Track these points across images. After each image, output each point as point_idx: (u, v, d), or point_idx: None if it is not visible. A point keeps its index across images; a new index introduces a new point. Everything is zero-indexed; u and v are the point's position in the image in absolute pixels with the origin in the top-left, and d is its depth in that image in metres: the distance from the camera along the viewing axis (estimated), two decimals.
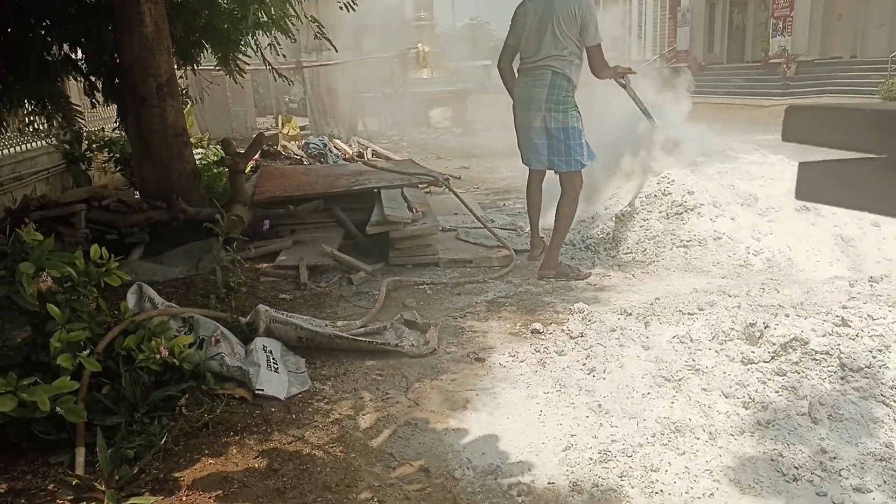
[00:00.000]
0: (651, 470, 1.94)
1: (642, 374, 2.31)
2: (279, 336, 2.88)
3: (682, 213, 4.01)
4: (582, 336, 2.68)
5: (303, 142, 8.59)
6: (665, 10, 27.18)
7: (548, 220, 4.09)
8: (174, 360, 2.29)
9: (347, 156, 7.78)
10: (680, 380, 2.23)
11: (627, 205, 4.27)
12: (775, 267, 3.64)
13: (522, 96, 3.76)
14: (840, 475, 1.79)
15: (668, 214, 4.05)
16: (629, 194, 4.36)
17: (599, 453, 2.03)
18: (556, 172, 3.83)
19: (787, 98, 17.64)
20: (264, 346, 2.75)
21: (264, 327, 2.86)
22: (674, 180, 4.13)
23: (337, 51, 4.35)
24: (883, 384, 1.95)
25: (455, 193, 4.86)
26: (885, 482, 1.74)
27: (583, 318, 2.87)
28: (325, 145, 7.05)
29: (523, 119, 3.79)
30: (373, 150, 8.83)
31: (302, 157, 7.76)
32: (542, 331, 2.99)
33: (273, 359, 2.71)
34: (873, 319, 2.13)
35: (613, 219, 4.25)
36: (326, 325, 3.09)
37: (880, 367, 1.98)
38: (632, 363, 2.37)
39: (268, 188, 4.96)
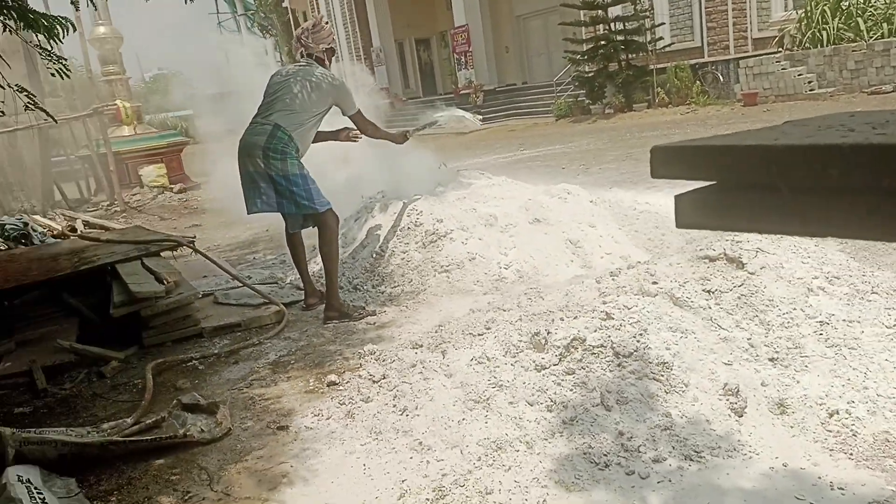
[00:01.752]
0: (486, 493, 2.02)
1: (453, 401, 2.39)
2: (35, 459, 2.40)
3: (436, 241, 4.25)
4: (384, 378, 2.69)
5: None
6: (359, 50, 28.64)
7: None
8: None
9: (56, 232, 6.79)
10: (488, 399, 2.35)
11: (384, 240, 4.40)
12: (525, 276, 4.05)
13: (242, 144, 3.79)
14: (639, 452, 2.05)
15: (424, 243, 4.27)
16: (382, 230, 4.49)
17: (434, 491, 2.05)
18: (286, 214, 3.93)
19: (481, 123, 19.69)
20: (19, 477, 2.27)
21: (13, 453, 2.36)
22: (422, 211, 4.37)
23: (56, 121, 3.77)
24: (650, 363, 2.28)
25: (203, 254, 4.54)
26: (673, 448, 2.04)
27: (377, 360, 2.88)
28: (25, 224, 6.06)
29: (245, 165, 3.78)
30: (83, 220, 7.85)
31: None
32: (338, 381, 2.93)
33: (36, 488, 2.25)
34: (629, 309, 2.49)
35: (373, 255, 4.35)
36: (91, 432, 2.66)
37: (645, 349, 2.32)
38: (440, 393, 2.45)
39: None
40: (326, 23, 4.02)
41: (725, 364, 2.26)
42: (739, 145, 0.70)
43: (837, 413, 2.04)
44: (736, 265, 2.71)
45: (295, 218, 3.98)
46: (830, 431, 2.02)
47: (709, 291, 2.58)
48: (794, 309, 2.40)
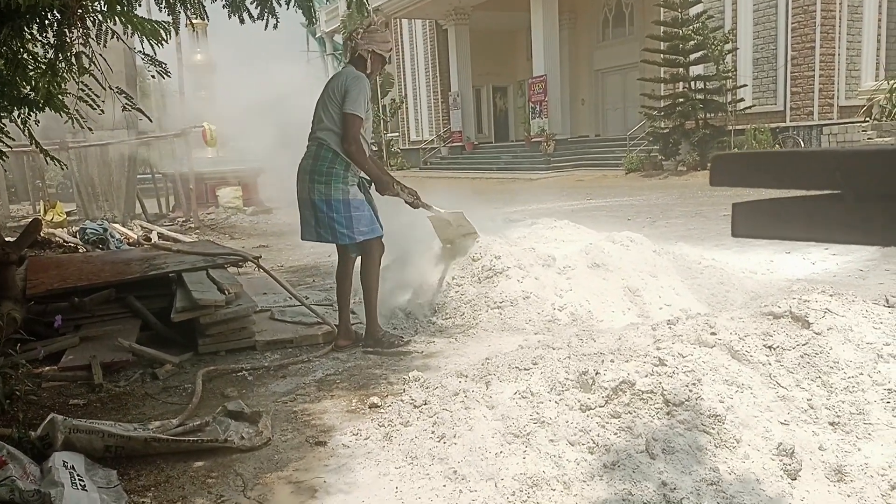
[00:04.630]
0: None
1: (492, 433, 2.34)
2: (82, 448, 2.47)
3: (492, 277, 4.23)
4: (426, 403, 2.66)
5: (76, 228, 7.71)
6: (437, 94, 29.34)
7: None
8: None
9: (132, 240, 7.13)
10: (528, 434, 2.29)
11: (441, 272, 4.41)
12: (579, 320, 3.97)
13: (298, 169, 3.73)
14: None
15: (479, 279, 4.26)
16: (440, 262, 4.51)
17: None
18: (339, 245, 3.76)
19: (550, 171, 19.77)
20: (65, 462, 2.34)
21: (63, 439, 2.44)
22: (482, 246, 4.37)
23: (151, 120, 4.02)
24: (702, 414, 2.17)
25: (266, 271, 4.66)
26: None
27: (421, 386, 2.86)
28: (105, 230, 6.39)
29: (298, 191, 3.73)
30: (159, 232, 8.21)
31: (76, 244, 6.94)
32: (380, 404, 2.92)
33: (78, 475, 2.31)
34: (683, 357, 2.40)
35: (430, 287, 4.36)
36: (138, 429, 2.72)
37: (697, 399, 2.22)
38: (480, 424, 2.40)
39: (43, 280, 4.34)
40: (386, 27, 3.84)
41: (782, 423, 2.14)
42: (803, 151, 0.66)
43: None
44: (801, 324, 2.58)
45: (342, 248, 3.80)
46: None
47: (770, 347, 2.46)
48: (861, 374, 2.25)
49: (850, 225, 0.65)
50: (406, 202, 3.94)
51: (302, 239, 3.81)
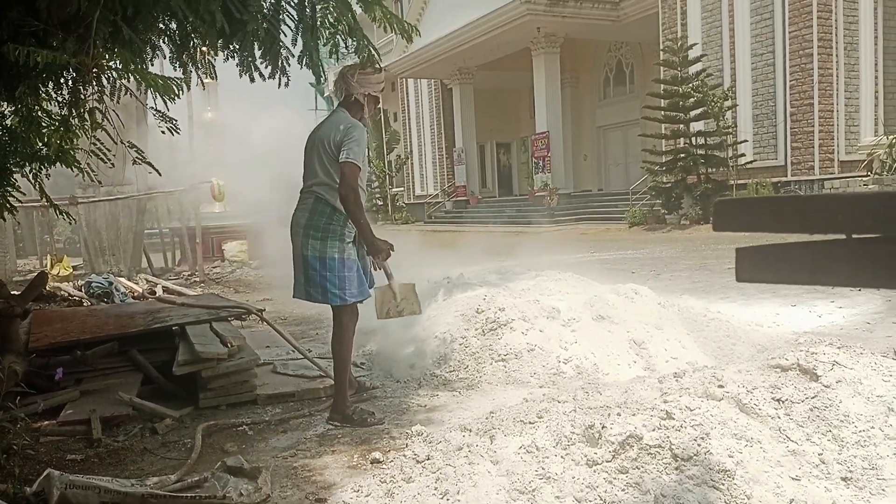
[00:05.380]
0: None
1: (496, 489, 2.28)
2: None
3: (496, 329, 4.20)
4: (429, 459, 2.60)
5: (81, 281, 7.74)
6: (442, 150, 29.82)
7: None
8: None
9: (137, 294, 7.14)
10: (534, 490, 2.23)
11: (444, 324, 4.39)
12: (584, 373, 3.92)
13: (291, 222, 3.50)
14: None
15: (483, 331, 4.23)
16: (445, 315, 4.49)
17: None
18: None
19: (554, 224, 19.90)
20: None
21: (59, 495, 2.39)
22: (485, 297, 4.36)
23: (161, 174, 4.07)
24: (711, 469, 2.12)
25: (270, 323, 4.64)
26: None
27: (424, 440, 2.80)
28: (110, 283, 6.42)
29: (293, 246, 3.50)
30: (164, 286, 8.23)
31: (81, 297, 6.96)
32: (382, 459, 2.87)
33: None
34: (691, 410, 2.35)
35: (432, 338, 4.33)
36: (135, 484, 2.67)
37: (706, 454, 2.17)
38: (484, 480, 2.34)
39: (46, 333, 4.33)
40: (381, 70, 3.52)
41: (793, 479, 2.08)
42: (805, 196, 0.67)
43: None
44: (810, 377, 2.54)
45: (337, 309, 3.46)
46: None
47: (779, 400, 2.42)
48: (872, 427, 2.21)
49: (855, 267, 0.65)
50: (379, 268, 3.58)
51: (294, 296, 3.57)
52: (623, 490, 2.17)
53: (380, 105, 3.52)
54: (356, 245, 3.48)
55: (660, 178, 16.99)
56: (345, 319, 3.45)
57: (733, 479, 2.08)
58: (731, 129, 16.04)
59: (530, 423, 2.60)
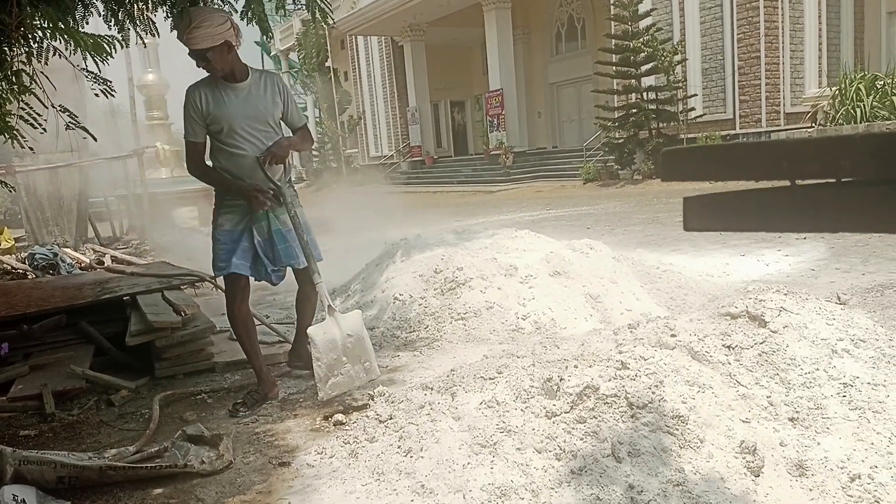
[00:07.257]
0: None
1: (459, 444, 2.31)
2: (33, 480, 2.37)
3: (454, 288, 4.22)
4: (391, 418, 2.62)
5: (24, 254, 7.44)
6: (396, 109, 29.40)
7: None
8: None
9: (84, 264, 6.91)
10: (495, 444, 2.27)
11: (403, 286, 4.38)
12: (542, 328, 3.98)
13: None
14: None
15: (442, 290, 4.24)
16: (404, 276, 4.48)
17: None
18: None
19: (510, 184, 19.94)
20: (15, 496, 2.24)
21: (12, 472, 2.34)
22: (443, 257, 4.36)
23: (96, 139, 3.86)
24: (665, 416, 2.18)
25: (223, 290, 4.54)
26: None
27: (386, 400, 2.82)
28: (55, 255, 6.19)
29: None
30: (112, 256, 7.99)
31: (25, 270, 6.70)
32: (345, 421, 2.87)
33: None
34: (645, 360, 2.41)
35: (393, 301, 4.32)
36: (92, 457, 2.62)
37: (660, 401, 2.23)
38: (447, 436, 2.37)
39: None
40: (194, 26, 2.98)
41: (743, 421, 2.16)
42: (750, 143, 0.67)
43: (859, 478, 1.92)
44: (758, 323, 2.62)
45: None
46: (851, 496, 1.90)
47: (729, 347, 2.50)
48: (817, 369, 2.30)
49: (799, 213, 0.66)
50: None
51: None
52: (581, 439, 2.22)
53: (213, 64, 3.07)
54: (274, 214, 3.22)
55: (612, 134, 17.13)
56: (226, 289, 3.37)
57: (686, 423, 2.14)
58: (681, 84, 16.21)
59: (490, 378, 2.63)
